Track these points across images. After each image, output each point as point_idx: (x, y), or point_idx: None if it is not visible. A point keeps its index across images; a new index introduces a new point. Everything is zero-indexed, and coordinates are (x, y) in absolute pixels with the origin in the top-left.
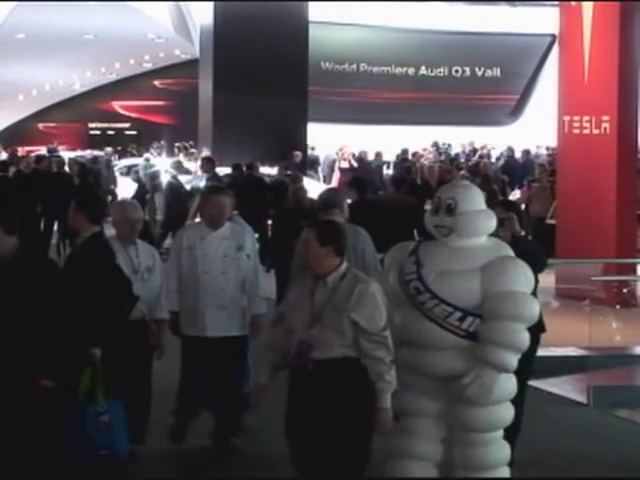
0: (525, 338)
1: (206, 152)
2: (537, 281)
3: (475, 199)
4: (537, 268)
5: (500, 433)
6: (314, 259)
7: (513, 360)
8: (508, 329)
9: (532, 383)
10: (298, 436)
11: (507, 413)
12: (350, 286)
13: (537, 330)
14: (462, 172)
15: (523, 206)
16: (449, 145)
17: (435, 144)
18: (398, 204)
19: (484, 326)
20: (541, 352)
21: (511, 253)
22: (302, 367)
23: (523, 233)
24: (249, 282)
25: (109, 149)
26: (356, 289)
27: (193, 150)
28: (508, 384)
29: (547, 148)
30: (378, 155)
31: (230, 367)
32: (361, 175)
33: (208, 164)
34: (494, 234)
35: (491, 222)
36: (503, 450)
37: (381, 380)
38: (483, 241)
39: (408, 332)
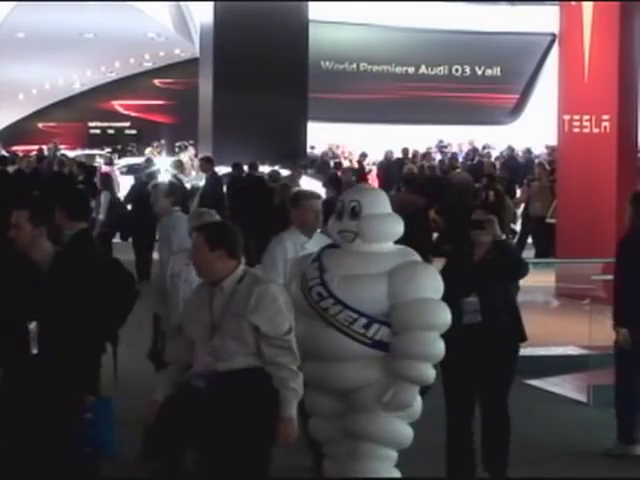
0: (440, 347)
1: (191, 152)
2: (518, 287)
3: (381, 202)
4: (519, 273)
5: (394, 455)
6: (205, 265)
7: (430, 371)
8: (422, 340)
9: (532, 382)
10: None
11: (406, 431)
12: (248, 289)
13: (515, 338)
14: (457, 170)
15: (523, 205)
16: (445, 144)
17: (439, 144)
18: (405, 203)
19: (397, 338)
20: (541, 351)
21: (419, 259)
22: (206, 380)
23: (504, 237)
24: None
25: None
26: (255, 291)
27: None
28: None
29: (546, 147)
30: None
31: None
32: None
33: (206, 164)
34: (472, 237)
35: (398, 227)
36: (392, 473)
37: (285, 388)
38: (390, 247)
39: (310, 343)
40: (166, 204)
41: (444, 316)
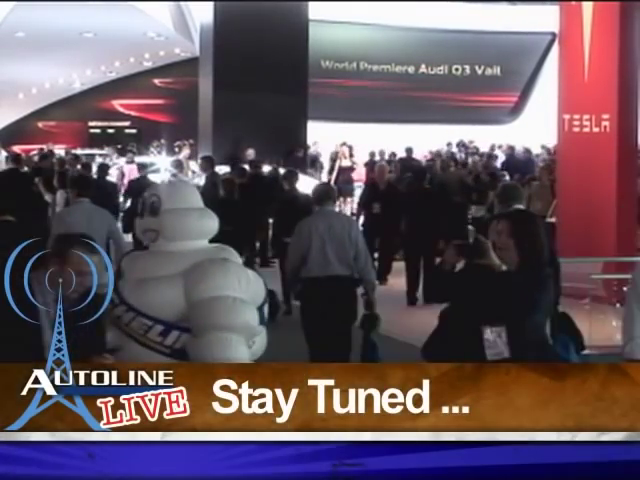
0: (242, 351)
1: (186, 152)
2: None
3: (185, 196)
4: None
5: None
6: None
7: None
8: (215, 341)
9: None
10: None
11: None
12: None
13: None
14: (451, 168)
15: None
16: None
17: (460, 143)
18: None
19: (190, 342)
20: None
21: (235, 258)
22: None
23: (503, 268)
24: None
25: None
26: None
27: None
28: None
29: (542, 147)
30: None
31: None
32: None
33: (206, 163)
34: (472, 262)
35: (203, 222)
36: None
37: None
38: (196, 245)
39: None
40: (72, 195)
41: (242, 315)
